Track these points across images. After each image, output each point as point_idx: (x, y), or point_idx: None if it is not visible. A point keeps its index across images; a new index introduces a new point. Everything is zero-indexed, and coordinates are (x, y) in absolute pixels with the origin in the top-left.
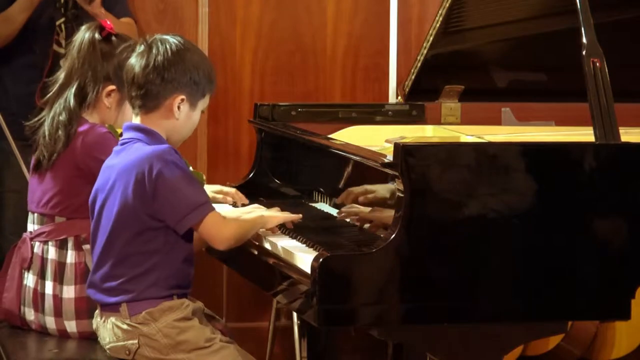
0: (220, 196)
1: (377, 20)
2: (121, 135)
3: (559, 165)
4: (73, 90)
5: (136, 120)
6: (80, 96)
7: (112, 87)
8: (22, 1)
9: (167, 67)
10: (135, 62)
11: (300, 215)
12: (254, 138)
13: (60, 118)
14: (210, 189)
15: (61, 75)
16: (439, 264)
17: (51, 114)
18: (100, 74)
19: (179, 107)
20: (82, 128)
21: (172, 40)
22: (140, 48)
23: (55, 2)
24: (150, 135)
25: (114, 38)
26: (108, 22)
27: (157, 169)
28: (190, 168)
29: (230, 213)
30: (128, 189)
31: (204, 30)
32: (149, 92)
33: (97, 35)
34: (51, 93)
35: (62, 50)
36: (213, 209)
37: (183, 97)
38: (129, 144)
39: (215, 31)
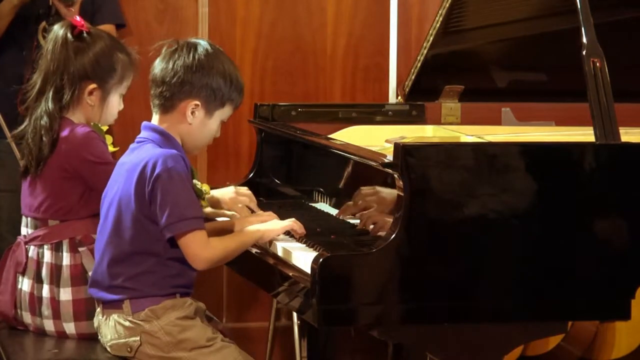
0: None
1: (377, 20)
2: (107, 132)
3: (559, 165)
4: (50, 93)
5: (155, 119)
6: (59, 98)
7: (93, 85)
8: (5, 4)
9: (185, 71)
10: (158, 62)
11: (303, 229)
12: (254, 138)
13: (42, 122)
14: (225, 192)
15: (38, 79)
16: (439, 264)
17: (32, 120)
18: (77, 73)
19: (193, 113)
20: (64, 131)
21: (200, 46)
22: (170, 49)
23: (39, 7)
24: (164, 138)
25: (86, 35)
26: (78, 19)
27: (157, 172)
28: (195, 181)
29: (236, 224)
30: (130, 188)
31: (204, 30)
32: (164, 93)
33: (68, 34)
34: (29, 99)
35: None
36: (200, 226)
37: (198, 102)
38: (142, 143)
39: (215, 31)
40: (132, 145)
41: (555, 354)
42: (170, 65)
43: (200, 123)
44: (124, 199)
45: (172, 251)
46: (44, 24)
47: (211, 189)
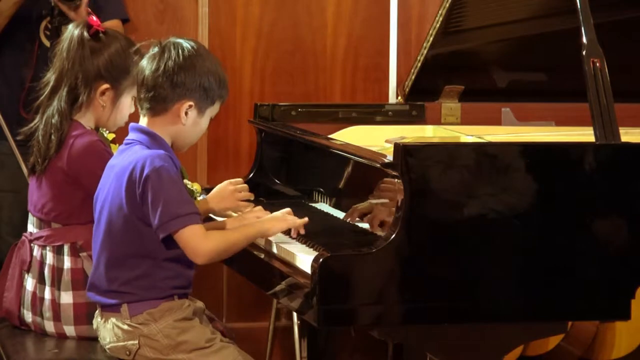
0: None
1: (377, 20)
2: (113, 142)
3: (559, 165)
4: (64, 92)
5: (143, 121)
6: (72, 97)
7: (106, 85)
8: (4, 2)
9: (177, 72)
10: (146, 64)
11: (307, 219)
12: (254, 138)
13: (53, 121)
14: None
15: (51, 77)
16: (439, 264)
17: (44, 118)
18: (92, 73)
19: (186, 113)
20: (73, 133)
21: (186, 45)
22: (154, 50)
23: (42, 8)
24: (152, 139)
25: (102, 35)
26: (94, 19)
27: (146, 173)
28: (186, 181)
29: (234, 221)
30: (121, 191)
31: (204, 30)
32: (157, 96)
33: (85, 34)
34: (42, 96)
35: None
36: (196, 221)
37: (191, 103)
38: (131, 145)
39: (215, 31)
40: (120, 148)
41: (555, 354)
42: (161, 67)
43: (192, 123)
44: (114, 203)
45: (167, 252)
46: (46, 22)
47: (210, 189)
